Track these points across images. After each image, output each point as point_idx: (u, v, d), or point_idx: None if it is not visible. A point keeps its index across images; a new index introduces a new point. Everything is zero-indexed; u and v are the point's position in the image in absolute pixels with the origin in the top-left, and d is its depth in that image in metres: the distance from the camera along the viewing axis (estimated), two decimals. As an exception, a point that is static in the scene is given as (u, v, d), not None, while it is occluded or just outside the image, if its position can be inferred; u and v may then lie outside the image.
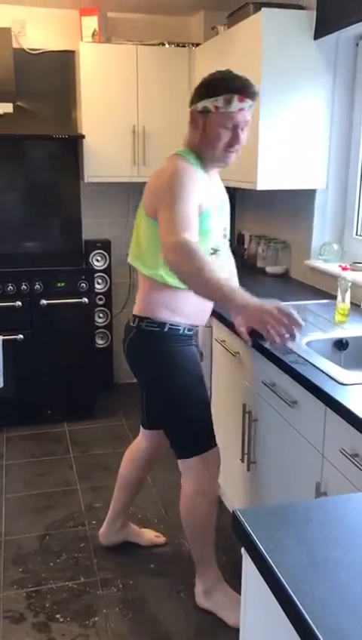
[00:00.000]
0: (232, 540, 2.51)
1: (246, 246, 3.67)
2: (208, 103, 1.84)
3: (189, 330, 2.03)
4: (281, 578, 0.85)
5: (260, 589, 0.92)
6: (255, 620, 1.03)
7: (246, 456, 2.19)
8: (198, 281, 1.68)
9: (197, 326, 2.11)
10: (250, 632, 1.06)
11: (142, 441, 2.37)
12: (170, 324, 1.98)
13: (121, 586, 2.27)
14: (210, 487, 2.07)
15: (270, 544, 0.92)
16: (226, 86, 1.82)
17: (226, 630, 2.04)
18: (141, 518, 2.69)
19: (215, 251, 2.02)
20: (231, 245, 3.86)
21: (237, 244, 3.89)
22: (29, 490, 2.92)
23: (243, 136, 1.91)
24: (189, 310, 2.00)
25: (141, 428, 2.37)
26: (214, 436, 2.07)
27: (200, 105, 1.87)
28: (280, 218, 3.33)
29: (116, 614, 2.13)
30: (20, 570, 2.36)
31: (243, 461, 2.21)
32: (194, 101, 1.91)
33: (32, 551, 2.48)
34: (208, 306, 2.07)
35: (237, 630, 1.11)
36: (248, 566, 0.99)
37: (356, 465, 1.47)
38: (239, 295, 1.67)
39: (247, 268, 3.48)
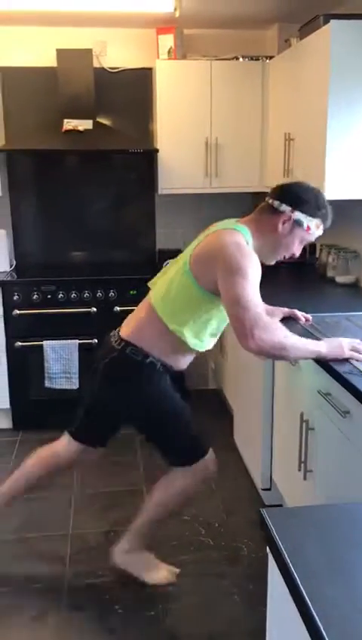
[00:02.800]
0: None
1: (317, 255, 3.66)
2: (305, 220, 1.98)
3: (165, 367, 2.13)
4: (295, 574, 0.89)
5: (282, 584, 0.97)
6: (279, 616, 1.07)
7: (302, 465, 2.21)
8: (288, 354, 1.92)
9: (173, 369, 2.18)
10: (276, 627, 1.10)
11: (62, 449, 2.39)
12: (152, 360, 2.08)
13: (179, 583, 2.34)
14: (196, 490, 2.23)
15: (290, 543, 0.97)
16: (325, 214, 2.02)
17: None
18: (202, 522, 2.75)
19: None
20: (304, 256, 3.88)
21: (309, 253, 3.89)
22: (96, 488, 3.05)
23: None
24: (177, 359, 2.14)
25: (67, 435, 2.38)
26: (202, 445, 2.20)
27: (297, 215, 1.97)
28: (352, 227, 3.30)
29: (172, 609, 2.21)
30: (84, 562, 2.48)
31: (299, 470, 2.23)
32: (290, 203, 1.98)
33: (96, 545, 2.60)
34: (191, 359, 2.22)
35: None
36: (272, 564, 1.03)
37: None
38: (321, 343, 1.95)
39: (318, 278, 3.48)
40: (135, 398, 2.13)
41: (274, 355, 1.92)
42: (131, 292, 3.60)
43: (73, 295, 3.56)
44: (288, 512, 1.08)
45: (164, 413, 2.15)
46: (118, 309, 3.58)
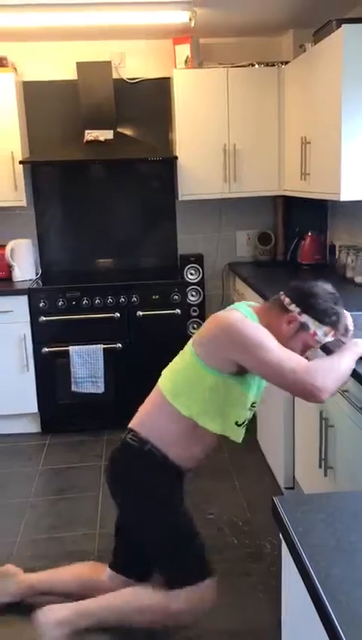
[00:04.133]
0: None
1: (337, 257, 3.70)
2: (311, 324, 1.84)
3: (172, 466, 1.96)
4: (303, 554, 0.95)
5: (294, 567, 1.02)
6: (294, 599, 1.12)
7: (323, 462, 2.25)
8: (342, 373, 1.74)
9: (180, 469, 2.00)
10: (290, 609, 1.15)
11: (105, 578, 2.15)
12: (153, 448, 1.92)
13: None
14: (187, 620, 1.97)
15: (299, 527, 1.02)
16: (335, 322, 1.85)
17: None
18: (226, 521, 2.79)
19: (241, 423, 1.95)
20: (324, 256, 3.91)
21: (329, 254, 3.92)
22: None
23: None
24: (192, 453, 1.97)
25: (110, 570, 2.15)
26: (206, 568, 1.93)
27: (305, 318, 1.84)
28: (370, 228, 3.33)
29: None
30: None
31: (320, 467, 2.27)
32: (300, 303, 1.85)
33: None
34: (199, 457, 2.02)
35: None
36: (284, 548, 1.09)
37: None
38: (349, 346, 1.83)
39: (337, 279, 3.50)
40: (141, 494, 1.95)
41: (340, 384, 1.75)
42: (154, 297, 3.68)
43: (97, 301, 3.65)
44: (299, 499, 1.13)
45: (162, 515, 1.94)
46: (141, 313, 3.66)
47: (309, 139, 3.25)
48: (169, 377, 1.96)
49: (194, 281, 4.04)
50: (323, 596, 0.86)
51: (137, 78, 3.95)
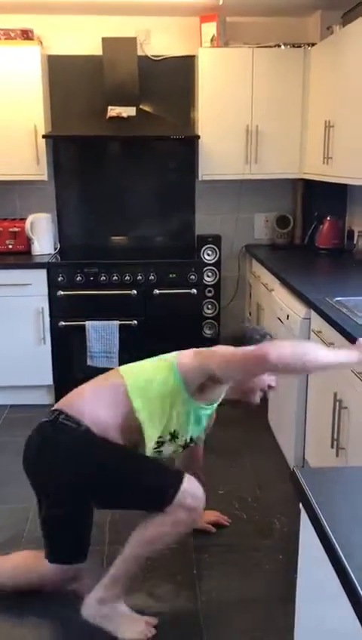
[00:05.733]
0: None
1: (355, 242, 3.70)
2: None
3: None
4: (325, 522, 0.99)
5: (313, 536, 1.07)
6: (312, 566, 1.17)
7: (335, 442, 2.29)
8: (312, 358, 1.83)
9: None
10: (307, 578, 1.19)
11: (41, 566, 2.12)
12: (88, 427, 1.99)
13: (214, 553, 2.46)
14: (188, 524, 2.01)
15: (320, 497, 1.06)
16: None
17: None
18: (236, 497, 2.85)
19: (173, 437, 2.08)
20: (342, 241, 3.92)
21: (347, 239, 3.93)
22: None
23: None
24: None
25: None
26: (171, 474, 2.00)
27: None
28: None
29: (206, 576, 2.33)
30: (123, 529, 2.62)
31: (332, 447, 2.31)
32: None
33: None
34: None
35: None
36: (304, 517, 1.13)
37: None
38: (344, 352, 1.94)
39: (354, 264, 3.52)
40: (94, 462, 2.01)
41: (300, 362, 1.83)
42: (171, 275, 3.71)
43: (115, 277, 3.69)
44: (318, 471, 1.17)
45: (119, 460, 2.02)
46: (158, 291, 3.69)
47: (333, 122, 3.24)
48: (138, 385, 2.05)
49: (211, 261, 4.07)
50: (345, 562, 0.90)
51: (162, 56, 3.93)
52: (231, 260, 4.23)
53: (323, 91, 3.45)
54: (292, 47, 3.72)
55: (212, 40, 3.69)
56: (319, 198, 4.05)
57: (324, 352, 1.90)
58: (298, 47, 3.71)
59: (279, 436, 3.24)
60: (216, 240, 4.08)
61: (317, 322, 2.56)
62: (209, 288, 4.07)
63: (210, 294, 4.08)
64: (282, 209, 4.19)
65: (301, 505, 1.13)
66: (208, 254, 4.07)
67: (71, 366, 3.78)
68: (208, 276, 4.06)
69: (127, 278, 3.69)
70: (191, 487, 1.96)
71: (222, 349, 2.03)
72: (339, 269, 3.51)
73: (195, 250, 4.10)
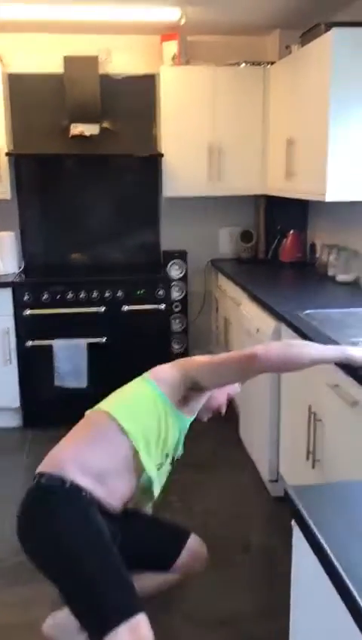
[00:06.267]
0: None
1: (318, 255, 3.77)
2: None
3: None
4: (322, 541, 1.00)
5: (307, 555, 1.07)
6: (307, 583, 1.17)
7: (311, 455, 2.31)
8: (301, 351, 1.85)
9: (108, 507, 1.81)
10: (301, 598, 1.20)
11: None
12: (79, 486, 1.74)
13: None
14: None
15: (315, 515, 1.07)
16: None
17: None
18: (211, 513, 2.84)
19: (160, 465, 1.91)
20: (305, 255, 3.99)
21: (309, 252, 4.00)
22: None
23: None
24: (114, 488, 1.81)
25: None
26: (130, 603, 1.61)
27: None
28: (352, 227, 3.41)
29: (184, 596, 2.30)
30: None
31: (308, 459, 2.33)
32: None
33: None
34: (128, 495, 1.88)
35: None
36: (297, 536, 1.13)
37: None
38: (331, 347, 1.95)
39: (318, 277, 3.58)
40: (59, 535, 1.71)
41: (287, 354, 1.83)
42: (138, 292, 3.70)
43: (82, 295, 3.66)
44: (309, 489, 1.18)
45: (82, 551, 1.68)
46: (126, 308, 3.68)
47: (295, 139, 3.31)
48: (121, 411, 1.89)
49: (178, 277, 4.08)
50: (345, 577, 0.91)
51: (123, 74, 3.95)
52: (197, 275, 4.25)
53: (284, 109, 3.52)
54: (252, 65, 3.79)
55: (173, 58, 3.73)
56: (281, 212, 4.12)
57: (311, 346, 1.92)
58: (258, 65, 3.79)
59: (252, 450, 3.25)
60: (182, 255, 4.10)
61: (288, 335, 2.59)
62: (176, 303, 4.08)
63: (177, 309, 4.09)
64: (245, 224, 4.25)
65: (293, 523, 1.14)
66: (175, 270, 4.08)
67: (39, 387, 3.72)
68: (175, 291, 4.07)
69: (95, 295, 3.67)
70: (142, 628, 1.58)
71: (199, 357, 2.00)
72: (304, 281, 3.57)
73: (162, 266, 4.11)
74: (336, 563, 0.94)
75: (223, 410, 2.16)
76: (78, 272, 3.96)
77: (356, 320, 2.54)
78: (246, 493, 3.02)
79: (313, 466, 2.31)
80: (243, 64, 3.79)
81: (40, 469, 1.82)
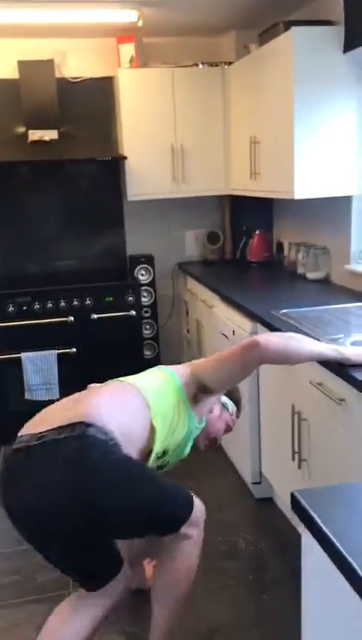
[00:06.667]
0: (287, 539, 2.60)
1: (285, 254, 3.77)
2: (231, 406, 2.14)
3: None
4: (339, 546, 0.96)
5: (319, 558, 1.03)
6: (316, 594, 1.13)
7: (296, 455, 2.29)
8: (300, 343, 1.87)
9: None
10: (312, 606, 1.16)
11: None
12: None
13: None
14: (200, 542, 1.89)
15: (325, 518, 1.03)
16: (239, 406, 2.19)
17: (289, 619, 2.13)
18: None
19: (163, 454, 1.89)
20: (272, 254, 3.99)
21: (276, 251, 4.00)
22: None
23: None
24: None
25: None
26: (183, 489, 1.85)
27: (223, 399, 2.12)
28: (319, 224, 3.42)
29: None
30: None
31: (293, 459, 2.31)
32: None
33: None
34: None
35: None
36: (307, 539, 1.09)
37: None
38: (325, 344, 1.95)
39: (287, 275, 3.58)
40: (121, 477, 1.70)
41: (288, 346, 1.83)
42: (107, 299, 3.63)
43: (49, 305, 3.57)
44: (316, 493, 1.14)
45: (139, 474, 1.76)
46: (96, 316, 3.60)
47: (259, 139, 3.30)
48: (137, 378, 1.93)
49: (146, 281, 4.02)
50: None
51: (80, 77, 3.88)
52: (164, 279, 4.20)
53: (246, 108, 3.51)
54: (210, 65, 3.77)
55: (130, 61, 3.67)
56: (246, 212, 4.11)
57: (309, 341, 1.90)
58: (215, 66, 3.77)
59: (232, 454, 3.22)
60: (148, 260, 4.04)
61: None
62: (146, 309, 4.01)
63: (147, 315, 4.02)
64: (211, 225, 4.22)
65: (303, 527, 1.10)
66: (142, 274, 4.02)
67: (8, 401, 3.60)
68: (144, 297, 4.00)
69: (63, 304, 3.58)
70: (197, 502, 1.87)
71: (206, 358, 1.98)
72: (275, 281, 3.56)
73: (129, 272, 4.05)
74: (355, 565, 0.91)
75: (219, 440, 2.17)
76: (44, 281, 3.86)
77: (332, 317, 2.54)
78: (229, 497, 2.98)
79: (299, 467, 2.29)
80: (201, 65, 3.77)
81: (81, 418, 1.67)
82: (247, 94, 3.46)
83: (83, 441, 1.63)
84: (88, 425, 1.65)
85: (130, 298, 3.67)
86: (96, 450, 1.63)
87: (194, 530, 1.83)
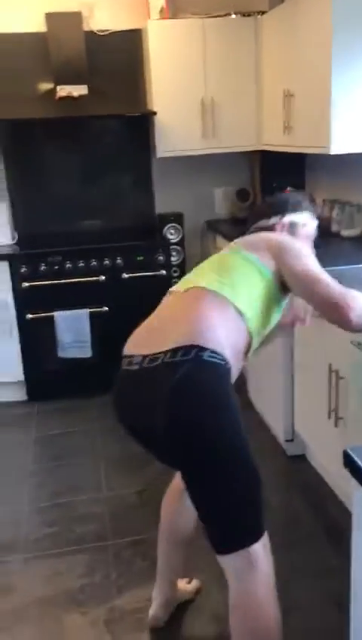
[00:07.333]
0: (321, 495, 2.64)
1: (319, 211, 3.70)
2: (297, 218, 1.94)
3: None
4: None
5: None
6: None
7: (333, 413, 2.30)
8: None
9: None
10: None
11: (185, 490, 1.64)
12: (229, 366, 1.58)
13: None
14: (270, 579, 1.54)
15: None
16: (310, 202, 2.00)
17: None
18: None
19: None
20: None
21: (308, 209, 3.93)
22: (124, 450, 3.12)
23: None
24: (238, 367, 1.68)
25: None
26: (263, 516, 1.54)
27: (288, 218, 1.92)
28: (354, 181, 3.35)
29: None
30: (123, 520, 2.57)
31: (329, 417, 2.32)
32: (276, 213, 1.92)
33: (132, 504, 2.68)
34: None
35: None
36: (360, 500, 1.11)
37: None
38: None
39: (321, 233, 3.51)
40: (226, 418, 1.53)
41: None
42: (138, 258, 3.62)
43: (80, 264, 3.57)
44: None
45: (242, 444, 1.55)
46: (127, 275, 3.60)
47: (293, 91, 3.20)
48: (215, 275, 1.68)
49: (175, 240, 3.99)
50: None
51: (108, 30, 3.78)
52: (193, 238, 4.17)
53: (279, 60, 3.40)
54: (242, 16, 3.64)
55: (161, 11, 3.57)
56: (277, 169, 4.03)
57: None
58: (248, 16, 3.64)
59: (264, 411, 3.24)
60: (178, 218, 4.01)
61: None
62: (175, 268, 4.00)
63: (176, 274, 4.01)
64: (241, 182, 4.16)
65: (356, 485, 1.11)
66: (171, 233, 3.99)
67: (42, 359, 3.66)
68: (173, 256, 3.98)
69: (94, 264, 3.58)
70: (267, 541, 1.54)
71: (309, 265, 1.69)
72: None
73: (158, 231, 4.02)
74: None
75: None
76: (75, 240, 3.85)
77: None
78: (262, 455, 2.98)
79: (336, 425, 2.30)
80: (233, 15, 3.64)
81: (188, 341, 1.52)
82: (281, 45, 3.34)
83: (199, 366, 1.50)
84: (202, 349, 1.51)
85: (160, 257, 3.66)
86: (210, 374, 1.51)
87: (258, 574, 1.50)
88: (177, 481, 1.94)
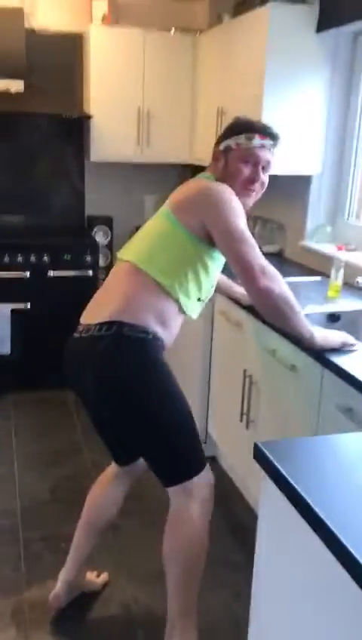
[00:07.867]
0: (229, 496, 2.76)
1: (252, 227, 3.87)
2: (230, 142, 1.88)
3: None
4: (299, 490, 1.08)
5: (279, 508, 1.15)
6: (272, 543, 1.26)
7: (245, 416, 2.43)
8: (289, 313, 1.77)
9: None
10: (266, 556, 1.29)
11: (114, 479, 2.05)
12: (154, 335, 1.75)
13: (119, 533, 2.50)
14: (208, 510, 1.80)
15: (288, 468, 1.15)
16: (248, 126, 1.91)
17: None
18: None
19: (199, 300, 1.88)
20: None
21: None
22: (37, 447, 3.13)
23: (265, 177, 1.93)
24: (171, 332, 1.83)
25: (114, 465, 2.04)
26: (204, 454, 1.83)
27: (222, 145, 1.91)
28: (277, 200, 3.53)
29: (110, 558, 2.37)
30: (35, 515, 2.59)
31: (241, 420, 2.45)
32: (217, 143, 1.95)
33: (44, 500, 2.70)
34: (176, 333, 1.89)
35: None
36: (268, 489, 1.21)
37: (349, 419, 1.71)
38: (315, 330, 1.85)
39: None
40: (154, 385, 1.74)
41: (277, 307, 1.74)
42: (65, 257, 3.64)
43: (6, 259, 3.55)
44: (276, 445, 1.25)
45: (170, 402, 1.76)
46: (52, 273, 3.61)
47: (226, 110, 3.35)
48: (142, 253, 1.80)
49: (103, 243, 4.04)
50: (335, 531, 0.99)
51: (49, 30, 3.79)
52: (122, 242, 4.20)
53: (214, 79, 3.54)
54: (182, 31, 3.76)
55: (103, 18, 3.63)
56: (206, 182, 4.15)
57: (302, 318, 1.81)
58: (187, 32, 3.76)
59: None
60: (107, 221, 4.06)
61: (222, 304, 2.68)
62: (101, 270, 4.04)
63: (102, 277, 4.05)
64: (172, 191, 4.24)
65: (265, 477, 1.21)
66: (100, 236, 4.04)
67: None
68: (100, 258, 4.03)
69: (19, 259, 3.57)
70: (212, 478, 1.83)
71: (239, 225, 1.75)
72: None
73: (87, 231, 4.05)
74: (317, 510, 1.03)
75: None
76: (1, 235, 3.82)
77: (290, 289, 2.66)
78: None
79: (247, 427, 2.44)
80: (173, 30, 3.75)
81: (111, 317, 1.72)
82: (217, 64, 3.49)
83: (123, 341, 1.71)
84: (122, 324, 1.71)
85: (88, 258, 3.69)
86: (129, 347, 1.72)
87: (204, 490, 1.78)
88: (108, 471, 2.09)
